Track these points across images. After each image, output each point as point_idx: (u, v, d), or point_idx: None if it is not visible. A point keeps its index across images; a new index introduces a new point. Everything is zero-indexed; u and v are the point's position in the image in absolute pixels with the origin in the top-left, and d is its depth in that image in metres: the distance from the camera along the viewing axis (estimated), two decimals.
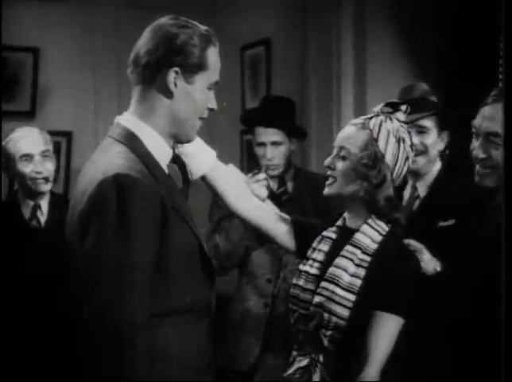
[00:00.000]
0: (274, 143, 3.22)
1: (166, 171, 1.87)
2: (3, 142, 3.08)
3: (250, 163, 4.35)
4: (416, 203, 2.77)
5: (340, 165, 2.17)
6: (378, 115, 2.22)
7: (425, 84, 2.83)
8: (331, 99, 3.83)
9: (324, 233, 2.26)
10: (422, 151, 2.72)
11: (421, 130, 2.72)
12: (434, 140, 2.74)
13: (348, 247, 2.17)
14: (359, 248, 2.15)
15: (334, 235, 2.25)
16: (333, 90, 3.83)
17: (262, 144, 3.24)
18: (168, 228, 1.74)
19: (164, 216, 1.73)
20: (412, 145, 2.23)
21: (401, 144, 2.19)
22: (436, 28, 3.71)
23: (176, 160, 1.94)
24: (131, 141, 1.80)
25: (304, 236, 2.29)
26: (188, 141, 1.90)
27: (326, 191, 2.21)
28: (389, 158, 2.16)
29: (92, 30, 4.64)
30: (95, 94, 4.68)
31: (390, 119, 2.21)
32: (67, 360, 1.80)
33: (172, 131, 1.85)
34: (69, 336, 1.79)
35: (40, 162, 3.07)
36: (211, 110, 1.89)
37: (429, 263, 2.51)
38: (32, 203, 3.10)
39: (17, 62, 4.52)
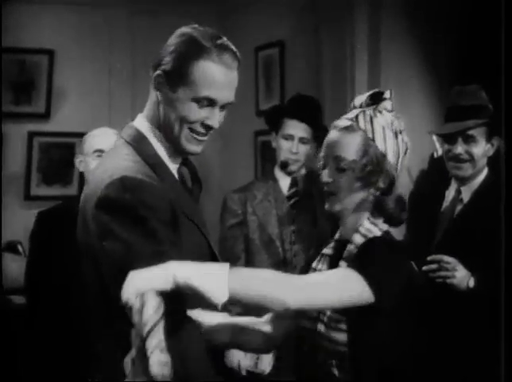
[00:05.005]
0: (302, 139, 3.19)
1: (176, 176, 1.86)
2: (83, 139, 3.16)
3: (264, 165, 4.35)
4: (459, 207, 2.72)
5: (341, 178, 1.87)
6: (363, 111, 1.90)
7: (479, 87, 2.73)
8: (346, 99, 3.82)
9: (323, 251, 1.98)
10: (467, 159, 2.67)
11: (468, 140, 2.66)
12: (482, 149, 2.67)
13: (342, 263, 1.88)
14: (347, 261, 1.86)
15: (330, 251, 1.97)
16: (347, 91, 3.82)
17: (290, 137, 3.19)
18: (178, 232, 1.73)
19: (174, 220, 1.73)
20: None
21: (399, 136, 1.89)
22: (451, 26, 3.71)
23: (187, 163, 1.91)
24: (140, 142, 1.81)
25: None
26: (188, 153, 1.84)
27: (328, 206, 1.90)
28: (390, 156, 1.87)
29: (107, 33, 4.67)
30: (109, 96, 4.70)
31: (380, 112, 1.90)
32: (96, 358, 1.81)
33: (170, 138, 1.82)
34: (94, 334, 1.80)
35: None
36: (209, 127, 1.81)
37: (463, 278, 2.50)
38: None
39: (32, 64, 4.55)
